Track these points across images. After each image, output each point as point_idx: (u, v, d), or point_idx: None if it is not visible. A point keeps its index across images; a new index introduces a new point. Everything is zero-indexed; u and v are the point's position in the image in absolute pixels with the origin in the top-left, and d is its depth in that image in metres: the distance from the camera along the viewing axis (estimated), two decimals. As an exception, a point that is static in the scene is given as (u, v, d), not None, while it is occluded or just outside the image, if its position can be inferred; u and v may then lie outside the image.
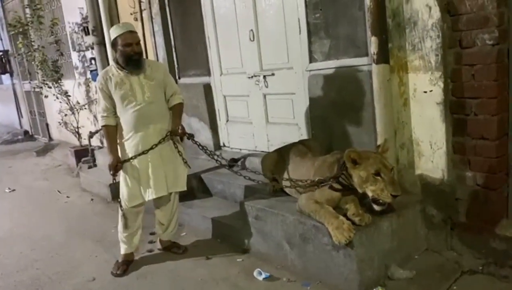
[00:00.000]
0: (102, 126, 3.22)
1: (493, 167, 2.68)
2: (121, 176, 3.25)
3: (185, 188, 3.42)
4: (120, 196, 3.29)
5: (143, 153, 3.18)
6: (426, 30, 2.75)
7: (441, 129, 2.81)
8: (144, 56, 3.39)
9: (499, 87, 2.59)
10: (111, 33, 3.17)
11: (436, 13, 2.69)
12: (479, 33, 2.56)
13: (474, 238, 2.80)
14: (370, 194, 2.53)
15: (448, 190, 2.87)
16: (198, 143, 3.46)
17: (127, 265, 3.37)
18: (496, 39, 2.51)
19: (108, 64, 6.27)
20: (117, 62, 3.19)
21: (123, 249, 3.40)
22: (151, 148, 3.18)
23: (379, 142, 2.91)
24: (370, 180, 2.50)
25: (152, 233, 3.80)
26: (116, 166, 3.17)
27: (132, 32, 3.14)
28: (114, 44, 3.14)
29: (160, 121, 3.24)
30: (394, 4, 2.87)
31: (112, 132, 3.21)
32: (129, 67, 3.14)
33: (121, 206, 3.28)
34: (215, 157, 3.48)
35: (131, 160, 3.19)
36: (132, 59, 3.11)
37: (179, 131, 3.28)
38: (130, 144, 3.20)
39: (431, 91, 2.80)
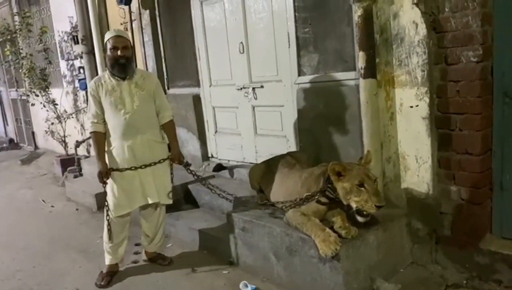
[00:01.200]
0: (91, 132, 3.20)
1: (477, 181, 2.72)
2: (108, 185, 3.22)
3: (171, 202, 3.40)
4: (106, 206, 3.25)
5: (140, 167, 3.18)
6: (412, 46, 2.80)
7: (427, 143, 2.84)
8: (135, 65, 3.40)
9: (483, 104, 2.64)
10: (104, 39, 3.20)
11: (423, 30, 2.74)
12: (464, 50, 2.62)
13: (459, 252, 2.83)
14: (354, 205, 2.54)
15: (433, 204, 2.90)
16: (194, 173, 3.45)
17: (111, 276, 3.32)
18: (480, 57, 2.57)
19: (97, 74, 6.28)
20: (108, 69, 3.21)
21: (107, 259, 3.36)
22: (149, 165, 3.21)
23: (365, 155, 2.94)
24: (354, 192, 2.52)
25: (138, 244, 3.76)
26: (106, 173, 3.15)
27: (120, 36, 3.15)
28: (104, 49, 3.20)
29: (148, 132, 3.22)
30: (381, 20, 2.93)
31: (101, 139, 3.19)
32: (114, 70, 3.14)
33: (107, 215, 3.24)
34: (209, 186, 3.48)
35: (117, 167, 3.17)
36: (118, 62, 3.10)
37: (180, 158, 3.32)
38: (116, 152, 3.18)
39: (417, 106, 2.85)
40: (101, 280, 3.26)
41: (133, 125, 3.15)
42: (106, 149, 3.22)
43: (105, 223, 3.27)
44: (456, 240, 2.84)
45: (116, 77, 3.16)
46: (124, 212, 3.22)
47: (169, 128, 3.35)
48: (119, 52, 3.09)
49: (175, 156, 3.32)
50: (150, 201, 3.25)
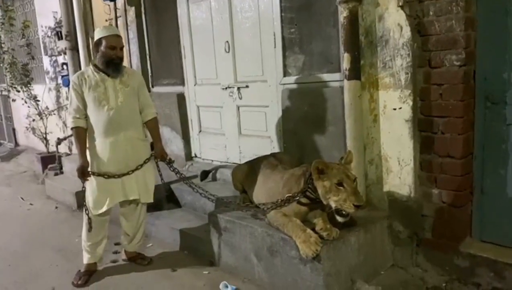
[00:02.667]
0: (73, 128, 3.12)
1: (458, 185, 2.74)
2: (88, 182, 3.16)
3: (152, 200, 3.37)
4: (86, 203, 3.19)
5: (127, 174, 3.15)
6: (397, 48, 2.81)
7: (409, 146, 2.85)
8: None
9: (465, 107, 2.66)
10: (96, 33, 3.15)
11: (407, 32, 2.75)
12: (447, 54, 2.64)
13: (439, 255, 2.84)
14: (333, 205, 2.52)
15: (414, 207, 2.91)
16: (176, 171, 3.39)
17: (89, 275, 3.26)
18: (463, 60, 2.59)
19: (80, 69, 6.18)
20: (94, 65, 3.16)
21: (86, 258, 3.29)
22: (136, 169, 3.19)
23: (348, 157, 2.94)
24: (333, 190, 2.50)
25: (117, 244, 3.70)
26: (86, 170, 3.09)
27: (118, 37, 3.16)
28: (97, 44, 3.11)
29: (131, 129, 3.18)
30: (367, 22, 2.93)
31: (82, 135, 3.13)
32: (109, 70, 3.11)
33: (87, 213, 3.17)
34: (192, 185, 3.40)
35: (99, 167, 3.12)
36: (113, 62, 3.10)
37: (163, 154, 3.27)
38: (99, 149, 3.12)
39: (400, 108, 2.85)
40: (78, 279, 3.20)
41: (116, 122, 3.10)
42: (87, 145, 3.16)
43: (84, 221, 3.21)
44: (437, 243, 2.85)
45: (101, 73, 3.12)
46: (103, 210, 3.15)
47: (152, 126, 3.32)
48: (117, 53, 3.10)
49: (158, 153, 3.27)
50: (130, 197, 3.21)
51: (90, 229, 3.19)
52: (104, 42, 3.08)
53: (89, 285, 3.18)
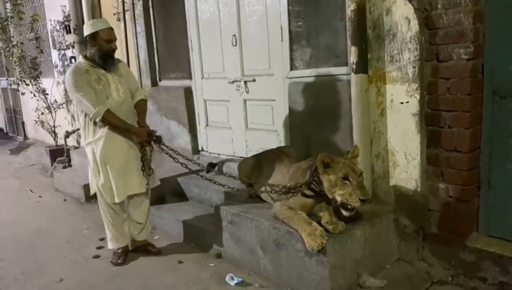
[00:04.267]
0: (103, 116, 3.02)
1: (465, 179, 2.72)
2: (101, 175, 3.21)
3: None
4: (99, 193, 3.28)
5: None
6: (404, 42, 2.80)
7: (416, 140, 2.84)
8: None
9: (472, 101, 2.64)
10: (90, 26, 3.11)
11: (415, 26, 2.74)
12: (455, 48, 2.62)
13: (445, 249, 2.84)
14: (339, 199, 2.52)
15: (421, 201, 2.90)
16: (165, 149, 3.32)
17: (125, 254, 3.41)
18: (471, 54, 2.57)
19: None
20: (89, 59, 3.13)
21: (115, 244, 3.39)
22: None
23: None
24: (338, 184, 2.50)
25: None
26: (145, 133, 3.15)
27: (112, 29, 3.18)
28: (93, 38, 3.08)
29: (130, 117, 3.24)
30: (374, 15, 2.91)
31: (113, 115, 3.07)
32: (106, 63, 3.13)
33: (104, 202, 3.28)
34: (180, 161, 3.35)
35: (110, 156, 3.17)
36: (110, 55, 3.14)
37: (144, 135, 3.19)
38: (105, 141, 3.14)
39: (407, 102, 2.84)
40: (118, 259, 3.36)
41: (120, 114, 3.13)
42: (91, 139, 3.18)
43: (102, 209, 3.33)
44: (443, 237, 2.85)
45: (98, 67, 3.14)
46: (123, 198, 3.25)
47: (141, 106, 3.32)
48: (113, 46, 3.14)
49: (141, 134, 3.17)
50: (135, 191, 3.28)
51: (113, 212, 3.31)
52: (102, 35, 3.08)
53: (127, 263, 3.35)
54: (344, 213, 2.57)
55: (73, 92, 3.06)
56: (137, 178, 3.25)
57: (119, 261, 3.35)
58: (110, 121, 3.07)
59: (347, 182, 2.48)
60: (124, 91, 3.20)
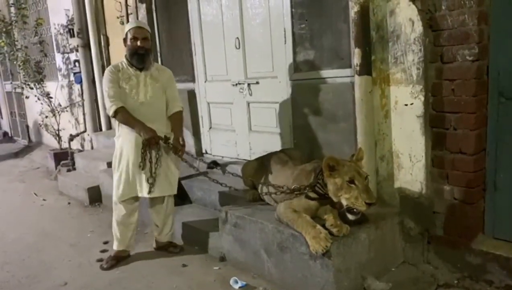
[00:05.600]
0: (117, 109, 3.11)
1: (470, 181, 2.70)
2: (116, 172, 3.29)
3: (175, 192, 3.45)
4: (114, 191, 3.33)
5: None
6: (408, 44, 2.78)
7: (421, 142, 2.83)
8: (153, 58, 3.44)
9: (477, 103, 2.63)
10: (124, 29, 3.30)
11: (419, 27, 2.72)
12: (460, 49, 2.60)
13: (450, 252, 2.82)
14: (344, 202, 2.51)
15: (426, 203, 2.89)
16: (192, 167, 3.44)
17: (117, 260, 3.41)
18: (476, 55, 2.55)
19: (92, 67, 6.25)
20: (126, 59, 3.27)
21: (115, 245, 3.44)
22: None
23: (359, 153, 2.92)
24: (344, 188, 2.49)
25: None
26: (155, 134, 3.14)
27: (141, 28, 3.25)
28: (124, 39, 3.26)
29: (156, 122, 3.25)
30: (378, 17, 2.90)
31: (128, 113, 3.15)
32: (133, 60, 3.22)
33: (115, 200, 3.33)
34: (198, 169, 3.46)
35: (124, 155, 3.23)
36: (137, 53, 3.20)
37: (178, 144, 3.25)
38: (123, 139, 3.23)
39: (411, 104, 2.83)
40: (105, 263, 3.36)
41: (143, 115, 3.19)
42: (117, 135, 3.30)
43: (114, 207, 3.37)
44: (448, 240, 2.83)
45: (134, 67, 3.23)
46: (124, 198, 3.28)
47: (176, 118, 3.37)
48: (138, 43, 3.19)
49: (175, 141, 3.23)
50: (144, 194, 3.29)
51: (121, 214, 3.34)
52: (129, 35, 3.21)
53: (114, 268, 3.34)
54: (350, 217, 2.55)
55: (103, 87, 3.23)
56: (145, 182, 3.24)
57: (104, 265, 3.35)
58: (121, 118, 3.17)
59: (353, 185, 2.47)
60: (153, 95, 3.24)
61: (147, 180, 3.23)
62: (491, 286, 2.63)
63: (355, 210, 2.50)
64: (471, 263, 2.72)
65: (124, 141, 3.24)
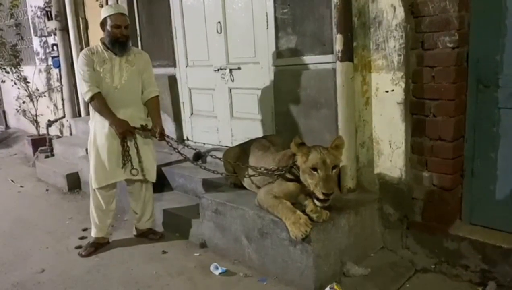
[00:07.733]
0: (94, 94, 3.08)
1: (449, 168, 2.73)
2: (91, 157, 3.22)
3: (153, 180, 3.42)
4: (90, 177, 3.27)
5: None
6: (390, 30, 2.78)
7: (401, 128, 2.84)
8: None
9: (457, 90, 2.64)
10: (102, 12, 3.18)
11: (401, 13, 2.72)
12: (441, 36, 2.61)
13: (428, 237, 2.85)
14: (309, 187, 2.53)
15: (405, 190, 2.91)
16: (175, 149, 3.39)
17: (95, 247, 3.37)
18: (456, 42, 2.56)
19: (71, 51, 6.10)
20: (103, 43, 3.20)
21: (93, 232, 3.39)
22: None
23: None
24: (307, 173, 2.51)
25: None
26: (124, 125, 3.11)
27: (123, 15, 3.18)
28: (103, 23, 3.16)
29: (131, 107, 3.21)
30: (360, 3, 2.89)
31: (104, 100, 3.12)
32: (115, 48, 3.16)
33: (92, 187, 3.27)
34: (180, 152, 3.40)
35: (98, 141, 3.18)
36: (118, 41, 3.14)
37: (160, 133, 3.23)
38: (97, 124, 3.18)
39: (392, 90, 2.83)
40: (84, 250, 3.32)
41: (118, 99, 3.15)
42: (91, 120, 3.24)
43: (91, 194, 3.31)
44: (426, 226, 2.86)
45: (109, 51, 3.17)
46: (102, 185, 3.22)
47: (153, 104, 3.32)
48: (122, 32, 3.12)
49: (158, 130, 3.21)
50: (125, 178, 3.28)
51: (98, 202, 3.29)
52: (109, 21, 3.12)
53: (94, 255, 3.31)
54: (317, 203, 2.56)
55: (77, 71, 3.20)
56: (119, 167, 3.21)
57: (83, 252, 3.32)
58: (96, 105, 3.13)
59: (315, 173, 2.47)
60: (128, 79, 3.18)
61: (131, 172, 3.22)
62: (467, 271, 2.68)
63: (320, 197, 2.50)
64: (448, 248, 2.76)
65: (97, 126, 3.19)
